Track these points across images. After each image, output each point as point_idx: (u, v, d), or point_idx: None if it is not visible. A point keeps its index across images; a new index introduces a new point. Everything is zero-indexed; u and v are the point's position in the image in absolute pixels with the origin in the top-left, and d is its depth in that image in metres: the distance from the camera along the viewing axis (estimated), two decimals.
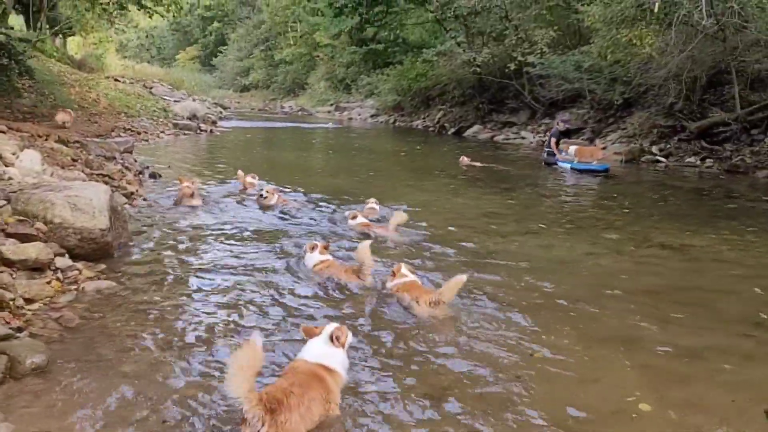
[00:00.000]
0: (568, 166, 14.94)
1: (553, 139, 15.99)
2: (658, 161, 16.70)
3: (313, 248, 5.79)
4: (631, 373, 3.94)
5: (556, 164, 15.56)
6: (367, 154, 17.90)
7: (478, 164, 15.34)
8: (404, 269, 5.27)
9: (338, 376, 3.32)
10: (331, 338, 3.40)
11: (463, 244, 7.17)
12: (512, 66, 22.11)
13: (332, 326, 3.49)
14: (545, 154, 16.15)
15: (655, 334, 4.59)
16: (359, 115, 39.57)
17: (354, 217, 7.73)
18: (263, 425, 2.79)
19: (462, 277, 4.79)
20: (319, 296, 5.23)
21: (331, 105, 45.63)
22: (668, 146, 17.38)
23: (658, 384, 3.79)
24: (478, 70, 24.89)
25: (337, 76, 47.49)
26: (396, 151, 19.74)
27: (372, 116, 37.77)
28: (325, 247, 5.84)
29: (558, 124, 16.54)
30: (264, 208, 8.72)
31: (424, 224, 8.02)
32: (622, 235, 8.07)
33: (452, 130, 27.77)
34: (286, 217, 8.33)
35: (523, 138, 23.32)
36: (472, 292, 5.29)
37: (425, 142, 23.41)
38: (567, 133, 20.12)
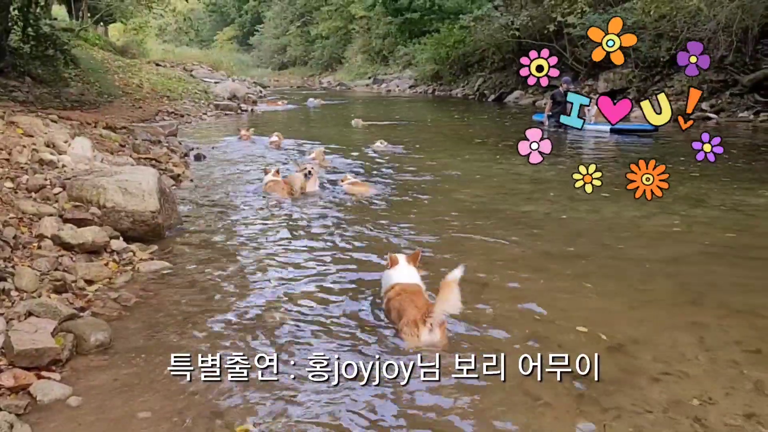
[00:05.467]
0: (608, 128, 13.69)
1: (549, 102, 15.18)
2: (709, 118, 16.10)
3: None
4: None
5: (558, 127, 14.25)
6: (406, 126, 17.78)
7: (378, 123, 15.20)
8: (351, 177, 8.14)
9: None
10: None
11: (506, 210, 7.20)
12: (552, 27, 21.50)
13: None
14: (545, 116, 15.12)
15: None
16: (397, 86, 39.21)
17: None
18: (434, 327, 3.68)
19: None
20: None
21: (369, 78, 45.33)
22: (719, 102, 16.75)
23: None
24: (517, 33, 24.28)
25: (373, 49, 47.04)
26: (435, 121, 19.56)
27: (410, 87, 37.39)
28: None
29: (561, 86, 15.43)
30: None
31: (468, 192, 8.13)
32: (672, 195, 7.85)
33: (492, 97, 27.30)
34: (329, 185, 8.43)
35: None
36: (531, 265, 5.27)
37: (465, 110, 23.11)
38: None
